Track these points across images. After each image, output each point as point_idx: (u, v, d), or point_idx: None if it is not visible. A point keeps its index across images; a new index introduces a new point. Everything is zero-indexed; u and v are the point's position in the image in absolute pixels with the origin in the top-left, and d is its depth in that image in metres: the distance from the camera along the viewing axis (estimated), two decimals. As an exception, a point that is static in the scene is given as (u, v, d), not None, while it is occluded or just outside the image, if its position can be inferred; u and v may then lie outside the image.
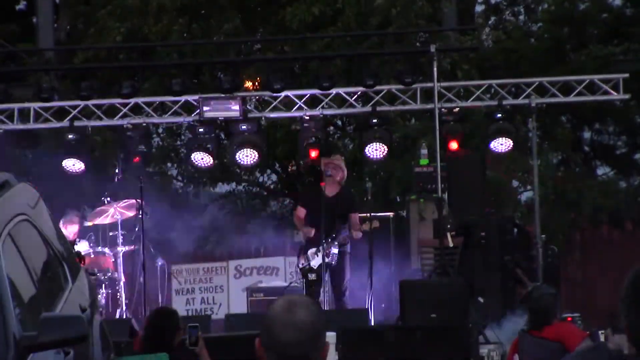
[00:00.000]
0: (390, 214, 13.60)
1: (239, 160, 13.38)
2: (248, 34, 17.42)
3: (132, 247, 12.73)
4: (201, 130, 13.30)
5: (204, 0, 17.42)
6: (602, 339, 9.96)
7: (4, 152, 13.55)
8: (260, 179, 18.69)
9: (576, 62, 17.20)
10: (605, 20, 18.76)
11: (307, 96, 13.55)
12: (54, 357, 4.73)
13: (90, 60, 16.94)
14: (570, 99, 13.40)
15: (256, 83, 16.18)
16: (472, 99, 13.48)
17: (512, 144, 12.98)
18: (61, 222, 11.54)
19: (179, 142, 18.06)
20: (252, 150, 13.20)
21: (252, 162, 13.42)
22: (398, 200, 16.10)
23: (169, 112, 13.80)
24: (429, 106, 13.02)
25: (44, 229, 5.66)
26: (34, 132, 15.14)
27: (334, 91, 13.40)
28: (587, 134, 19.83)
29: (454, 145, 12.98)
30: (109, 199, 13.03)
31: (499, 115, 13.07)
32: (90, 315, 5.86)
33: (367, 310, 11.32)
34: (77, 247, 11.72)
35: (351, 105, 13.61)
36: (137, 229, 12.47)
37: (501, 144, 12.99)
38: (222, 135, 15.80)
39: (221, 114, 13.28)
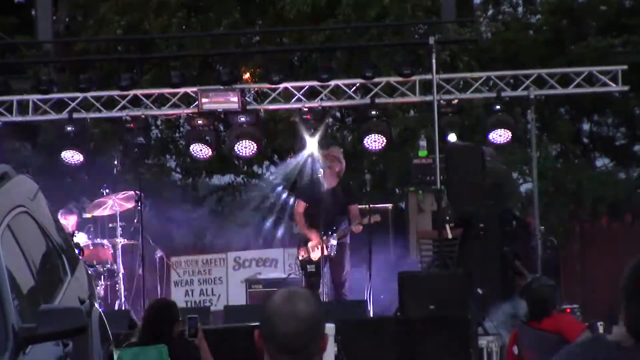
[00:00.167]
0: (389, 205, 13.62)
1: (238, 152, 13.41)
2: (247, 27, 17.41)
3: (131, 239, 12.73)
4: (200, 122, 13.31)
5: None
6: (601, 330, 9.95)
7: (3, 144, 13.54)
8: (259, 171, 18.68)
9: (575, 54, 17.19)
10: (604, 13, 18.75)
11: (305, 88, 13.55)
12: (53, 349, 4.74)
13: (89, 52, 16.95)
14: (569, 90, 13.40)
15: (255, 75, 16.17)
16: (470, 90, 13.49)
17: (510, 135, 12.97)
18: (60, 214, 11.53)
19: (177, 134, 18.08)
20: (250, 142, 13.22)
21: (250, 153, 13.45)
22: (397, 191, 16.11)
23: (168, 104, 13.79)
24: (428, 98, 13.01)
25: (43, 221, 5.66)
26: (33, 124, 15.16)
27: (332, 83, 13.41)
28: (586, 126, 19.85)
29: (452, 137, 12.99)
30: (107, 190, 13.02)
31: (498, 107, 13.07)
32: (89, 307, 5.86)
33: (366, 302, 11.33)
34: (75, 239, 11.71)
35: (350, 97, 13.63)
36: (136, 221, 12.46)
37: (500, 136, 12.99)
38: (221, 127, 15.79)
39: (220, 106, 13.27)
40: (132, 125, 13.42)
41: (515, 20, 18.95)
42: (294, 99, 13.50)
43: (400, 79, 13.27)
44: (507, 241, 12.71)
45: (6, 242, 4.69)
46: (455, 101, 13.25)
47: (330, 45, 16.14)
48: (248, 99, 13.73)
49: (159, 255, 13.25)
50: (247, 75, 15.79)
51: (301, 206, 11.88)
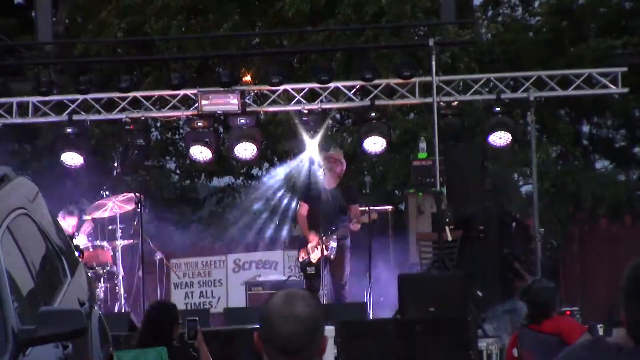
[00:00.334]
0: (389, 207, 13.61)
1: (237, 154, 13.40)
2: (247, 29, 17.41)
3: (131, 240, 12.72)
4: (200, 124, 13.29)
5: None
6: (600, 332, 9.96)
7: (3, 146, 13.53)
8: (259, 173, 18.67)
9: (575, 56, 17.19)
10: (604, 14, 18.75)
11: (305, 90, 13.53)
12: (53, 351, 4.73)
13: (89, 55, 16.95)
14: (569, 92, 13.40)
15: (255, 77, 16.16)
16: (470, 92, 13.46)
17: (510, 137, 12.97)
18: (60, 216, 11.53)
19: (177, 136, 18.05)
20: (250, 144, 13.21)
21: (250, 155, 13.44)
22: (397, 193, 16.09)
23: (168, 106, 13.79)
24: (428, 100, 13.01)
25: (43, 223, 5.65)
26: (33, 126, 15.14)
27: (332, 85, 13.40)
28: (585, 128, 19.84)
29: (452, 138, 13.04)
30: (107, 192, 13.02)
31: (498, 108, 13.05)
32: (89, 309, 5.85)
33: (366, 304, 11.34)
34: (75, 241, 11.72)
35: (350, 99, 13.62)
36: (135, 223, 12.45)
37: (500, 138, 12.98)
38: (221, 129, 15.78)
39: (220, 108, 13.25)
40: (131, 127, 13.41)
41: (515, 22, 18.94)
42: (294, 101, 13.48)
43: (400, 80, 13.24)
44: (506, 243, 12.71)
45: (6, 244, 4.69)
46: (455, 103, 13.23)
47: (330, 47, 16.13)
48: (248, 101, 13.68)
49: (158, 257, 13.24)
50: (247, 77, 15.75)
51: (304, 209, 11.88)
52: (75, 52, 16.90)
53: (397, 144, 15.14)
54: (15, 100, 13.55)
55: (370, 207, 11.75)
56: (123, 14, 17.13)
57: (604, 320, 10.66)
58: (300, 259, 11.78)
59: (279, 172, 15.89)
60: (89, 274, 7.30)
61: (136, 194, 12.42)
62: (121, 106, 13.51)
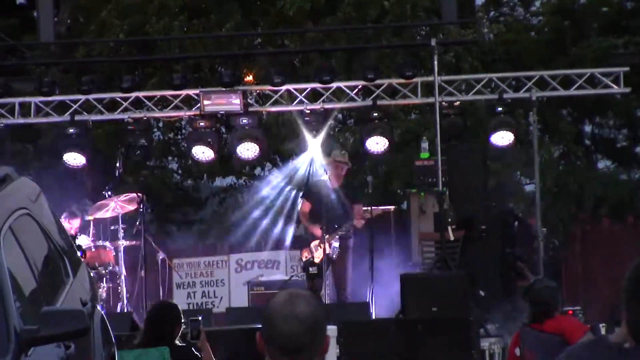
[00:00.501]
0: (391, 207, 13.60)
1: (240, 154, 13.38)
2: (249, 29, 17.41)
3: (133, 241, 12.73)
4: (202, 124, 13.29)
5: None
6: (603, 332, 9.96)
7: (5, 146, 13.54)
8: (262, 173, 18.66)
9: (577, 55, 17.18)
10: (605, 14, 18.74)
11: (307, 90, 13.54)
12: (55, 351, 4.73)
13: (91, 54, 16.95)
14: (571, 92, 13.42)
15: (257, 77, 16.15)
16: (472, 92, 13.48)
17: (513, 137, 12.96)
18: (63, 217, 11.54)
19: (179, 136, 18.07)
20: (252, 144, 13.20)
21: (252, 156, 13.42)
22: (399, 193, 16.07)
23: (170, 106, 13.80)
24: (430, 100, 13.00)
25: (45, 223, 5.65)
26: (35, 126, 15.15)
27: (334, 85, 13.42)
28: (587, 128, 19.84)
29: (455, 138, 13.08)
30: (109, 192, 13.01)
31: (500, 108, 13.05)
32: (91, 309, 5.86)
33: (368, 304, 11.33)
34: (77, 241, 11.71)
35: (352, 99, 13.61)
36: (138, 223, 12.46)
37: (502, 138, 12.97)
38: (223, 129, 15.78)
39: (222, 108, 13.27)
40: (134, 127, 13.43)
41: (517, 22, 18.93)
42: (296, 101, 13.49)
43: (402, 80, 13.26)
44: (509, 243, 12.71)
45: (8, 244, 4.69)
46: (457, 103, 13.25)
47: (332, 47, 16.12)
48: (250, 101, 13.68)
49: (161, 257, 13.24)
50: (249, 77, 15.76)
51: (306, 206, 11.92)
52: (78, 55, 16.90)
53: (399, 144, 15.13)
54: (17, 100, 13.56)
55: (373, 207, 11.74)
56: (123, 14, 17.12)
57: (606, 320, 10.67)
58: (303, 259, 11.78)
59: (282, 172, 15.91)
60: (91, 274, 7.30)
61: (138, 194, 12.42)
62: (123, 106, 13.52)
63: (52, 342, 4.56)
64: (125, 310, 12.16)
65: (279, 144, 16.29)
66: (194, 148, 13.42)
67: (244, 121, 13.23)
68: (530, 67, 14.88)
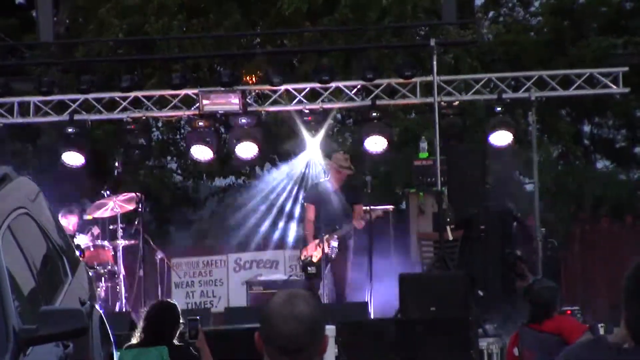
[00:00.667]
0: (390, 207, 13.59)
1: (239, 154, 13.38)
2: (248, 29, 17.42)
3: (132, 240, 12.72)
4: (201, 123, 13.29)
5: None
6: (601, 332, 9.95)
7: (4, 146, 13.53)
8: (261, 173, 18.67)
9: (576, 55, 17.19)
10: (604, 13, 18.75)
11: (306, 90, 13.53)
12: (54, 350, 4.73)
13: (90, 54, 16.95)
14: (570, 92, 13.41)
15: (255, 77, 16.16)
16: (471, 92, 13.47)
17: (512, 137, 12.94)
18: (60, 215, 11.52)
19: (178, 136, 18.07)
20: (251, 143, 13.21)
21: (251, 155, 13.43)
22: (399, 192, 16.08)
23: (169, 106, 13.80)
24: (429, 100, 13.01)
25: (44, 223, 5.65)
26: (34, 126, 15.13)
27: (333, 85, 13.41)
28: (586, 128, 19.85)
29: (454, 138, 13.10)
30: (108, 192, 13.00)
31: (499, 108, 13.04)
32: (90, 309, 5.86)
33: (367, 304, 11.32)
34: (76, 240, 11.71)
35: (351, 99, 13.60)
36: (136, 223, 12.45)
37: (501, 137, 12.94)
38: (222, 129, 15.76)
39: (221, 108, 13.27)
40: (132, 126, 13.43)
41: (516, 23, 18.94)
42: (295, 101, 13.48)
43: (401, 80, 13.25)
44: (508, 243, 12.71)
45: (7, 244, 4.69)
46: (456, 103, 13.25)
47: (330, 47, 16.13)
48: (249, 101, 13.68)
49: (159, 256, 13.23)
50: (248, 77, 15.76)
51: (312, 212, 11.87)
52: (77, 54, 16.90)
53: (398, 144, 15.14)
54: (16, 100, 13.54)
55: (371, 207, 11.73)
56: (122, 14, 17.12)
57: (605, 320, 10.65)
58: (302, 258, 11.77)
59: (282, 171, 15.92)
60: (90, 274, 7.30)
61: (137, 194, 12.41)
62: (122, 106, 13.51)
63: (51, 342, 4.56)
64: (124, 310, 12.15)
65: (278, 143, 16.30)
66: (192, 148, 13.42)
67: (243, 121, 13.23)
68: (530, 67, 14.88)
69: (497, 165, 14.96)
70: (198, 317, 7.10)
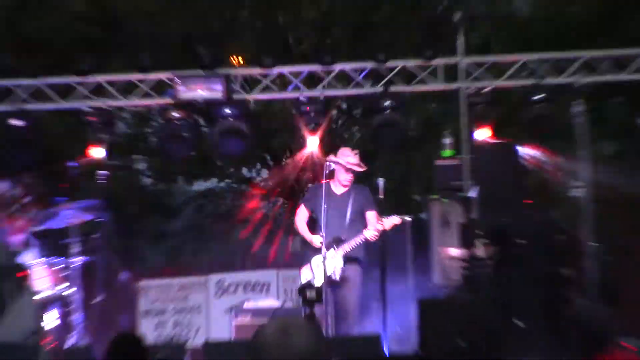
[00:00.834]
0: (408, 217, 13.54)
1: (223, 152, 13.49)
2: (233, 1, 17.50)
3: (90, 257, 12.61)
4: (176, 114, 13.34)
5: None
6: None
7: None
8: (248, 175, 18.77)
9: (633, 31, 17.15)
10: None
11: (304, 74, 13.59)
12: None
13: (42, 31, 16.98)
14: (625, 76, 13.51)
15: (242, 59, 16.20)
16: (505, 77, 13.55)
17: (553, 131, 13.15)
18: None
19: (148, 130, 18.08)
20: (237, 138, 13.28)
21: (237, 152, 13.52)
22: (417, 199, 16.12)
23: (137, 94, 13.78)
24: (454, 86, 13.18)
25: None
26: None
27: (337, 67, 13.46)
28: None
29: (484, 133, 13.06)
30: (63, 198, 12.91)
31: (538, 97, 13.16)
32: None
33: (380, 336, 11.23)
34: (20, 258, 11.60)
35: (358, 85, 13.59)
36: (96, 236, 12.37)
37: (540, 131, 13.14)
38: (202, 121, 15.80)
39: (200, 95, 13.30)
40: (93, 118, 13.43)
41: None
42: (291, 87, 13.55)
43: (419, 62, 13.34)
44: (552, 260, 12.63)
45: None
46: (487, 90, 13.29)
47: (334, 21, 16.18)
48: (234, 87, 13.66)
49: (124, 277, 13.25)
50: (234, 59, 15.80)
51: (303, 211, 11.86)
52: (25, 31, 16.91)
53: (416, 139, 15.18)
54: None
55: (385, 217, 11.63)
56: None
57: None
58: (302, 280, 11.67)
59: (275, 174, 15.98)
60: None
61: (98, 200, 12.35)
62: (80, 93, 13.56)
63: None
64: (80, 344, 12.05)
65: (270, 139, 16.36)
66: (166, 144, 13.48)
67: (227, 111, 13.31)
68: (576, 47, 14.80)
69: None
70: (170, 355, 7.01)
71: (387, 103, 13.14)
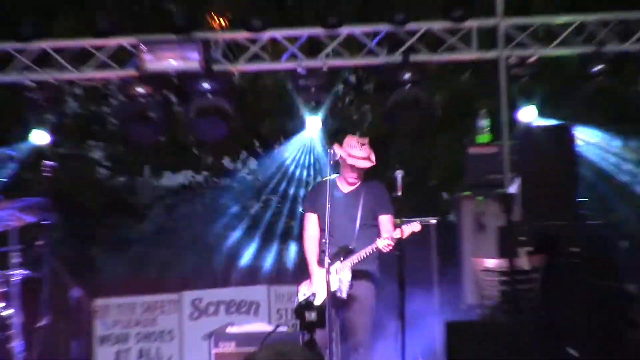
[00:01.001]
0: (432, 219, 13.48)
1: (199, 136, 13.51)
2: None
3: (33, 271, 12.52)
4: (141, 90, 13.38)
5: None
6: None
7: None
8: (231, 166, 18.71)
9: None
10: None
11: (303, 39, 13.61)
12: None
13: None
14: None
15: (224, 20, 16.17)
16: (555, 43, 13.62)
17: (617, 111, 13.22)
18: None
19: (106, 109, 18.05)
20: (218, 120, 13.30)
21: (218, 137, 13.56)
22: (444, 196, 16.05)
23: (92, 64, 13.79)
24: (491, 54, 13.25)
25: None
26: None
27: (344, 31, 13.47)
28: None
29: (529, 113, 13.12)
30: None
31: (598, 67, 13.17)
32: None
33: (397, 368, 11.19)
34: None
35: (371, 53, 13.55)
36: (41, 243, 12.26)
37: (599, 111, 13.21)
38: (173, 99, 15.74)
39: (171, 67, 13.34)
40: (37, 94, 13.42)
41: None
42: (286, 56, 13.57)
43: (448, 25, 13.41)
44: (613, 274, 12.55)
45: None
46: (533, 59, 13.31)
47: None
48: (215, 56, 13.60)
49: (76, 295, 13.16)
50: (214, 21, 15.77)
51: (311, 223, 11.74)
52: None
53: (443, 121, 15.11)
54: None
55: (404, 220, 11.55)
56: None
57: None
58: (300, 297, 11.60)
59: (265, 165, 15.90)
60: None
61: (42, 197, 12.19)
62: (21, 63, 13.58)
63: None
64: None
65: (259, 121, 16.29)
66: (129, 127, 13.52)
67: (206, 86, 13.35)
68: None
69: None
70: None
71: (406, 76, 13.15)
